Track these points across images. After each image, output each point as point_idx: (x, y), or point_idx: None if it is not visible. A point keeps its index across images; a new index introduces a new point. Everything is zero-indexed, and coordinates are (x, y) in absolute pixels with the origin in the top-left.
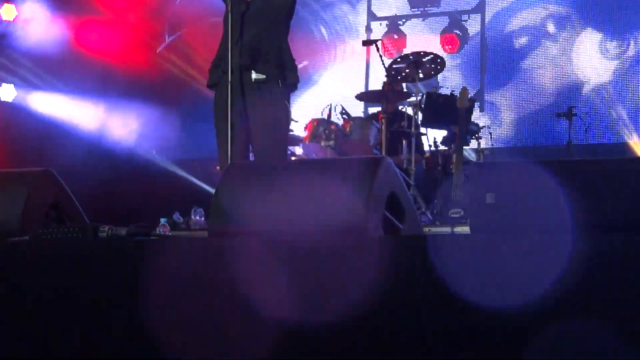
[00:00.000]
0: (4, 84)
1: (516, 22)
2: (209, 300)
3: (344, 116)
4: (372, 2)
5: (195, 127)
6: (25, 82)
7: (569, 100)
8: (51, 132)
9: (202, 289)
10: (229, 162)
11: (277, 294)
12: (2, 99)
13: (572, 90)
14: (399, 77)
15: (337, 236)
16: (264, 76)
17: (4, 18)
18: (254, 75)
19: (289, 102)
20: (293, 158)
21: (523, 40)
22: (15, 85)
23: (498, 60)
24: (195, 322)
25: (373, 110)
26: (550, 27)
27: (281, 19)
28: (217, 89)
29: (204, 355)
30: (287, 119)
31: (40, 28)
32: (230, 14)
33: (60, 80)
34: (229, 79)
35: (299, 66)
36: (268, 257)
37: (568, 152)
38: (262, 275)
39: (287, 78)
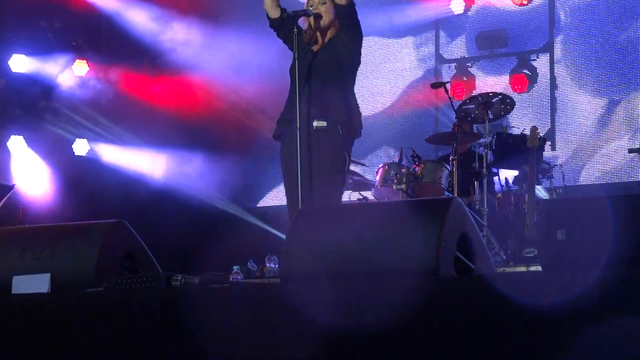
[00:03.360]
0: (77, 139)
1: (586, 60)
2: (281, 345)
3: (415, 159)
4: (440, 45)
5: (268, 174)
6: (96, 136)
7: None
8: (122, 184)
9: (273, 334)
10: (299, 208)
11: (349, 338)
12: (76, 154)
13: None
14: (468, 119)
15: (408, 278)
16: (325, 124)
17: (76, 74)
18: (315, 123)
19: (349, 148)
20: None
21: (593, 78)
22: (88, 139)
23: (568, 99)
24: None
25: (444, 152)
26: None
27: (347, 69)
28: (283, 139)
29: None
30: (344, 166)
31: (106, 82)
32: (297, 63)
33: (128, 131)
34: (298, 127)
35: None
36: (338, 300)
37: None
38: (332, 318)
39: (350, 125)
